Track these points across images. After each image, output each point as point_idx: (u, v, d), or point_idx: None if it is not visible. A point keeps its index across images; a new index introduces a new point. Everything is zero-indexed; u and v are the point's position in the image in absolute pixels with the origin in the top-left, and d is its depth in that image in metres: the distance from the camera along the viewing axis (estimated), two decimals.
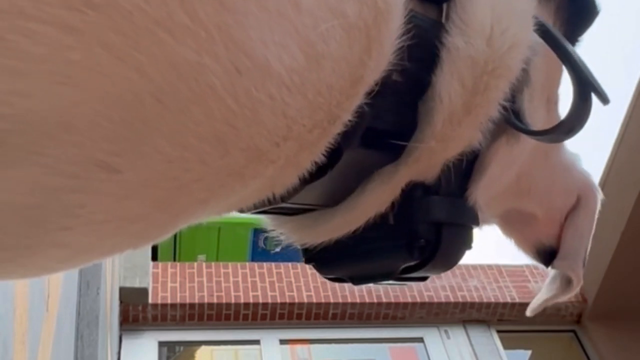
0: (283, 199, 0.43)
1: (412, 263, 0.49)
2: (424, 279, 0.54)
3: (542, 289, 0.67)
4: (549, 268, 0.65)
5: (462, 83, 0.44)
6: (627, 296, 4.54)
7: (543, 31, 0.48)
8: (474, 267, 4.74)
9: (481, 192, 0.52)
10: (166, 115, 0.33)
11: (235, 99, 0.34)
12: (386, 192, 0.47)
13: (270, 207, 0.45)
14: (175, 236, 5.79)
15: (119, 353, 4.08)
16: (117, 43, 0.31)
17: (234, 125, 0.35)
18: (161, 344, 4.24)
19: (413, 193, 0.47)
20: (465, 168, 0.50)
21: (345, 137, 0.40)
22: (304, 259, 0.53)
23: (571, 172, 0.63)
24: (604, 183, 4.49)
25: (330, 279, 0.57)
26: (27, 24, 0.29)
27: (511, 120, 0.49)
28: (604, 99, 0.48)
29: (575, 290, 0.64)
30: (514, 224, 0.64)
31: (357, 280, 0.55)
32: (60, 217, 0.35)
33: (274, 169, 0.38)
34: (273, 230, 0.54)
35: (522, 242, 0.66)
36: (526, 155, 0.55)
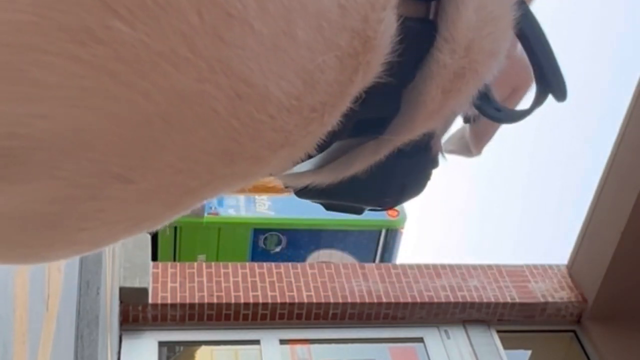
0: (277, 174, 0.48)
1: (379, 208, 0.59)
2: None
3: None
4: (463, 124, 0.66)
5: (443, 90, 0.47)
6: (627, 296, 4.54)
7: (520, 33, 0.50)
8: (474, 267, 4.74)
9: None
10: (174, 134, 0.36)
11: (239, 120, 0.37)
12: (372, 161, 0.52)
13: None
14: (175, 236, 5.80)
15: (119, 353, 4.08)
16: (123, 72, 0.34)
17: (239, 141, 0.38)
18: (161, 344, 4.24)
19: (388, 157, 0.52)
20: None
21: (334, 134, 0.44)
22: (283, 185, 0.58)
23: (514, 59, 0.63)
24: (604, 183, 4.49)
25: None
26: (41, 56, 0.33)
27: (484, 109, 0.53)
28: (561, 97, 0.53)
29: (476, 154, 0.64)
30: None
31: (329, 209, 0.61)
32: (79, 221, 0.39)
33: (272, 167, 0.42)
34: None
35: None
36: None
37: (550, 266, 4.85)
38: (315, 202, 0.60)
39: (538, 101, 0.53)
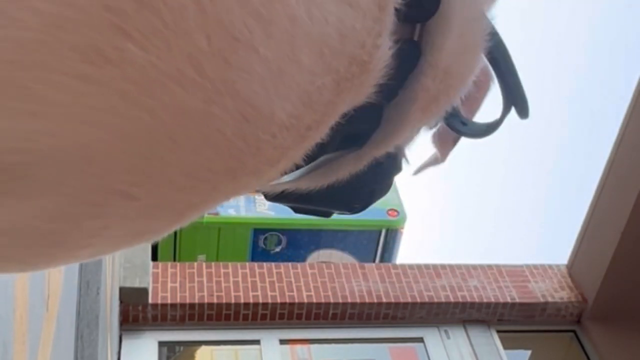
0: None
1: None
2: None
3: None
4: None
5: (422, 110, 0.50)
6: (627, 296, 4.54)
7: (489, 54, 0.53)
8: (474, 267, 4.74)
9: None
10: (180, 153, 0.37)
11: (244, 141, 0.39)
12: (352, 171, 0.54)
13: None
14: (175, 236, 5.79)
15: (119, 353, 4.07)
16: (131, 91, 0.35)
17: (242, 160, 0.40)
18: (161, 344, 4.24)
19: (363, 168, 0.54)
20: None
21: (322, 148, 0.46)
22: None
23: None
24: (604, 183, 4.49)
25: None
26: (49, 75, 0.33)
27: (452, 124, 0.57)
28: (524, 114, 0.57)
29: (441, 162, 0.67)
30: None
31: (297, 211, 0.63)
32: (82, 238, 0.40)
33: (266, 179, 0.44)
34: None
35: None
36: None
37: (550, 266, 4.85)
38: (285, 205, 0.61)
39: (503, 117, 0.57)
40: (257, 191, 0.58)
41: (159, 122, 0.36)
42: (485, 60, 0.54)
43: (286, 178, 0.52)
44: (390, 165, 0.58)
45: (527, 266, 4.82)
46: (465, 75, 0.51)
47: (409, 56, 0.47)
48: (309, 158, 0.45)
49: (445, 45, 0.47)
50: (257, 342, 4.31)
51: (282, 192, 0.55)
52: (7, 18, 0.32)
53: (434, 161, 0.67)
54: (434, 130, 0.63)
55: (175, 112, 0.36)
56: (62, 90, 0.33)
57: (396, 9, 0.43)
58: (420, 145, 0.62)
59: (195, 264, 4.53)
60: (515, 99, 0.56)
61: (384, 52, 0.43)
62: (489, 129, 0.58)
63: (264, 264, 4.57)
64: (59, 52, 0.33)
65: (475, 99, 0.61)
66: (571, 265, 4.79)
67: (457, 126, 0.57)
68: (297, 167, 0.46)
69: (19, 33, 0.32)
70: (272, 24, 0.37)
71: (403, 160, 0.60)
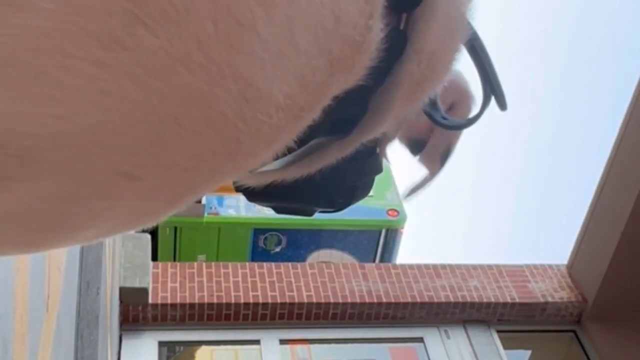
0: (254, 170, 0.50)
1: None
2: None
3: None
4: (415, 157, 0.71)
5: (406, 96, 0.51)
6: (627, 296, 4.54)
7: (470, 47, 0.56)
8: (474, 267, 4.74)
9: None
10: (183, 134, 0.39)
11: (244, 122, 0.40)
12: (335, 158, 0.55)
13: None
14: (175, 236, 5.80)
15: (119, 353, 4.07)
16: (142, 75, 0.37)
17: (241, 141, 0.41)
18: (161, 344, 4.24)
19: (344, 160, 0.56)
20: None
21: (314, 131, 0.47)
22: (234, 187, 0.60)
23: (451, 77, 0.69)
24: (604, 183, 4.49)
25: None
26: (66, 60, 0.35)
27: (433, 117, 0.59)
28: (503, 106, 0.59)
29: (431, 180, 0.69)
30: None
31: (279, 211, 0.64)
32: (87, 219, 0.42)
33: (261, 162, 0.45)
34: None
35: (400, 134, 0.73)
36: None
37: (550, 266, 4.85)
38: (266, 205, 0.63)
39: (483, 107, 0.59)
40: (242, 189, 0.59)
41: (165, 104, 0.38)
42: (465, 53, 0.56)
43: (276, 164, 0.54)
44: (371, 163, 0.60)
45: (527, 266, 4.82)
46: (448, 61, 0.53)
47: (396, 43, 0.48)
48: (300, 141, 0.47)
49: (430, 31, 0.49)
50: (257, 342, 4.31)
51: (266, 187, 0.56)
52: (32, 8, 0.34)
53: (424, 182, 0.69)
54: (421, 153, 0.66)
55: (181, 95, 0.38)
56: (78, 75, 0.35)
57: None
58: (409, 168, 0.65)
59: (195, 264, 4.53)
60: (493, 89, 0.58)
61: (376, 33, 0.45)
62: (469, 121, 0.61)
63: (264, 264, 4.57)
64: (78, 40, 0.35)
65: (461, 108, 0.64)
66: (571, 265, 4.79)
67: (438, 119, 0.60)
68: (289, 151, 0.47)
69: (42, 22, 0.34)
70: (274, 8, 0.39)
71: (383, 160, 0.63)
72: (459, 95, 0.67)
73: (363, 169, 0.60)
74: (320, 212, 0.64)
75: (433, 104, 0.58)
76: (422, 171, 0.70)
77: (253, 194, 0.59)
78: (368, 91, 0.50)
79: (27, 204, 0.40)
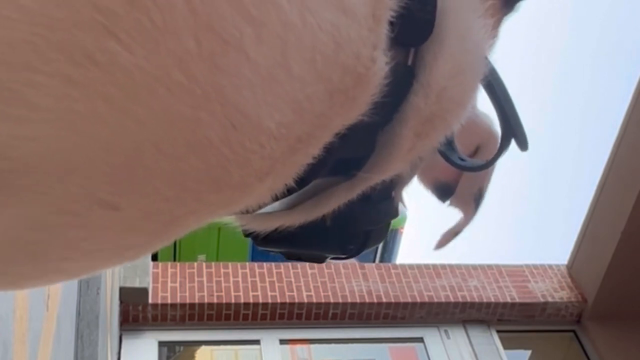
0: (253, 210, 0.47)
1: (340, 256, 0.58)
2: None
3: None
4: (445, 203, 0.69)
5: (415, 133, 0.48)
6: (627, 296, 4.54)
7: (487, 84, 0.53)
8: (474, 267, 4.74)
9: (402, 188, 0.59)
10: (164, 162, 0.36)
11: (231, 149, 0.37)
12: (342, 201, 0.51)
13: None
14: None
15: (119, 353, 4.08)
16: (117, 96, 0.33)
17: (228, 170, 0.38)
18: (161, 344, 4.24)
19: (354, 203, 0.52)
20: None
21: (315, 169, 0.44)
22: (243, 232, 0.57)
23: (475, 118, 0.67)
24: (604, 183, 4.49)
25: (264, 250, 0.62)
26: (33, 76, 0.32)
27: (450, 158, 0.56)
28: (524, 146, 0.56)
29: (467, 224, 0.67)
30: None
31: (289, 258, 0.60)
32: (62, 249, 0.38)
33: (255, 198, 0.42)
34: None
35: (422, 176, 0.69)
36: None
37: (550, 266, 4.85)
38: (276, 251, 0.59)
39: (502, 148, 0.56)
40: (249, 234, 0.57)
41: (143, 128, 0.34)
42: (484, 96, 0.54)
43: (277, 206, 0.50)
44: (386, 207, 0.57)
45: (527, 266, 4.82)
46: (462, 98, 0.50)
47: (403, 79, 0.46)
48: (301, 180, 0.44)
49: (439, 66, 0.46)
50: (257, 342, 4.31)
51: (275, 231, 0.53)
52: None
53: (459, 228, 0.66)
54: (453, 195, 0.64)
55: (162, 118, 0.35)
56: (47, 93, 0.32)
57: (391, 31, 0.42)
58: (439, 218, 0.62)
59: (195, 264, 4.53)
60: (514, 130, 0.55)
61: (381, 66, 0.42)
62: (487, 163, 0.58)
63: (264, 264, 4.56)
64: (45, 53, 0.32)
65: (487, 150, 0.62)
66: (571, 265, 4.79)
67: (455, 160, 0.57)
68: (289, 192, 0.44)
69: (7, 32, 0.31)
70: (264, 28, 0.36)
71: (400, 205, 0.60)
72: (485, 137, 0.64)
73: (377, 213, 0.56)
74: (332, 258, 0.60)
75: (449, 143, 0.55)
76: (454, 217, 0.67)
77: (260, 240, 0.56)
78: (374, 129, 0.47)
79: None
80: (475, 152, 0.65)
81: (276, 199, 0.45)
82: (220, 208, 0.41)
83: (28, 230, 0.37)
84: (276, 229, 0.53)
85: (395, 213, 0.59)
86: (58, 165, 0.34)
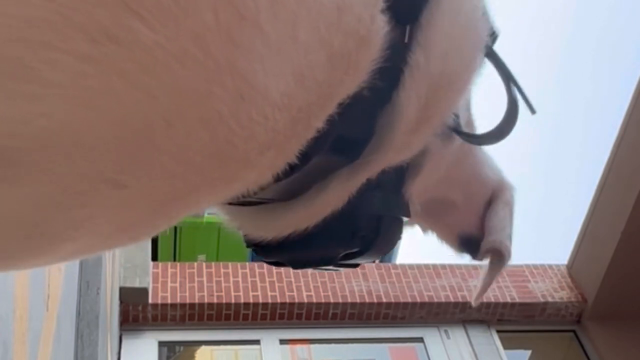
0: (254, 193, 0.47)
1: (352, 251, 0.56)
2: (356, 265, 0.59)
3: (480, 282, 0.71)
4: (476, 258, 0.69)
5: (419, 97, 0.48)
6: (627, 296, 4.54)
7: (488, 52, 0.54)
8: (474, 267, 4.74)
9: (416, 188, 0.58)
10: (174, 136, 0.36)
11: (238, 122, 0.38)
12: (345, 192, 0.51)
13: (236, 201, 0.50)
14: (175, 236, 5.79)
15: (119, 353, 4.07)
16: (132, 71, 0.34)
17: (234, 144, 0.39)
18: (161, 344, 4.24)
19: (361, 189, 0.52)
20: (405, 169, 0.56)
21: (316, 144, 0.44)
22: (245, 243, 0.57)
23: (486, 167, 0.69)
24: (604, 183, 4.49)
25: (269, 263, 0.61)
26: (49, 53, 0.32)
27: (458, 128, 0.56)
28: (532, 110, 0.56)
29: (506, 263, 0.67)
30: (436, 215, 0.68)
31: (298, 265, 0.59)
32: (66, 229, 0.38)
33: (256, 174, 0.43)
34: (229, 221, 0.59)
35: (446, 232, 0.69)
36: (453, 151, 0.62)
37: (550, 266, 4.85)
38: (282, 260, 0.58)
39: (510, 114, 0.56)
40: (253, 247, 0.56)
41: (156, 103, 0.35)
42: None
43: (269, 191, 0.49)
44: (396, 199, 0.56)
45: (527, 266, 4.82)
46: (464, 62, 0.50)
47: (399, 52, 0.46)
48: (303, 157, 0.44)
49: (436, 24, 0.47)
50: (257, 342, 4.31)
51: (287, 237, 0.52)
52: None
53: (492, 276, 0.67)
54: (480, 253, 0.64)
55: (175, 93, 0.35)
56: (63, 70, 0.33)
57: (387, 7, 0.43)
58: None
59: (195, 264, 4.53)
60: (521, 93, 0.56)
61: (381, 25, 0.43)
62: (500, 131, 0.57)
63: (264, 264, 4.55)
64: (64, 31, 0.32)
65: (502, 197, 0.63)
66: (571, 265, 4.79)
67: (465, 135, 0.57)
68: (291, 170, 0.45)
69: (27, 11, 0.32)
70: (279, 3, 0.37)
71: (411, 207, 0.58)
72: (497, 185, 0.66)
73: (386, 199, 0.55)
74: (346, 257, 0.56)
75: (456, 124, 0.55)
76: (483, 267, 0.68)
77: (265, 249, 0.55)
78: (373, 106, 0.48)
79: (5, 209, 0.37)
80: (488, 206, 0.66)
81: (278, 179, 0.45)
82: (222, 184, 0.41)
83: (34, 209, 0.37)
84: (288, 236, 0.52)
85: (406, 209, 0.57)
86: (68, 143, 0.34)
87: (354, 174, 0.51)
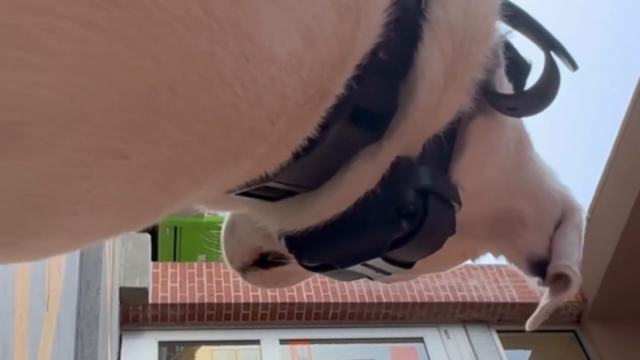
0: (275, 175, 0.44)
1: (400, 235, 0.49)
2: (410, 265, 0.54)
3: (542, 300, 0.69)
4: (544, 283, 0.68)
5: (443, 52, 0.46)
6: (627, 296, 4.54)
7: (518, 15, 0.52)
8: (474, 267, 4.74)
9: (464, 174, 0.53)
10: (177, 102, 0.35)
11: (242, 85, 0.36)
12: (372, 170, 0.48)
13: (258, 185, 0.46)
14: (175, 236, 5.79)
15: (119, 353, 4.07)
16: (135, 36, 0.33)
17: (238, 109, 0.37)
18: (161, 344, 4.24)
19: (399, 164, 0.48)
20: (446, 148, 0.52)
21: (335, 112, 0.42)
22: (287, 248, 0.52)
23: (553, 181, 0.66)
24: (603, 183, 4.49)
25: (314, 269, 0.55)
26: (55, 21, 0.31)
27: (490, 89, 0.51)
28: (573, 64, 0.53)
29: (575, 289, 0.65)
30: (506, 235, 0.65)
31: (345, 261, 0.52)
32: (68, 203, 0.37)
33: (267, 147, 0.40)
34: (257, 220, 0.55)
35: (515, 254, 0.67)
36: (505, 141, 0.58)
37: None
38: (327, 258, 0.53)
39: (549, 71, 0.53)
40: (287, 244, 0.51)
41: (159, 67, 0.34)
42: None
43: (295, 177, 0.47)
44: (442, 179, 0.52)
45: None
46: (489, 9, 0.48)
47: (415, 17, 0.45)
48: (322, 128, 0.42)
49: (453, 4, 0.46)
50: (257, 342, 4.31)
51: (325, 229, 0.49)
52: None
53: (551, 305, 0.66)
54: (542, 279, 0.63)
55: (177, 55, 0.34)
56: (67, 38, 0.32)
57: None
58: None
59: (195, 264, 4.53)
60: (559, 48, 0.53)
61: None
62: (543, 90, 0.53)
63: None
64: None
65: (572, 219, 0.62)
66: None
67: (502, 100, 0.53)
68: (311, 145, 0.42)
69: None
70: None
71: (457, 197, 0.53)
72: (566, 205, 0.63)
73: (433, 173, 0.50)
74: (392, 260, 0.51)
75: (489, 88, 0.52)
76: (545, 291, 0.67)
77: (298, 243, 0.51)
78: (394, 71, 0.45)
79: (6, 184, 0.35)
80: (556, 227, 0.64)
81: (297, 156, 0.43)
82: (229, 157, 0.39)
83: (36, 182, 0.36)
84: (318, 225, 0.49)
85: (454, 192, 0.52)
86: (70, 113, 0.34)
87: (381, 149, 0.47)
